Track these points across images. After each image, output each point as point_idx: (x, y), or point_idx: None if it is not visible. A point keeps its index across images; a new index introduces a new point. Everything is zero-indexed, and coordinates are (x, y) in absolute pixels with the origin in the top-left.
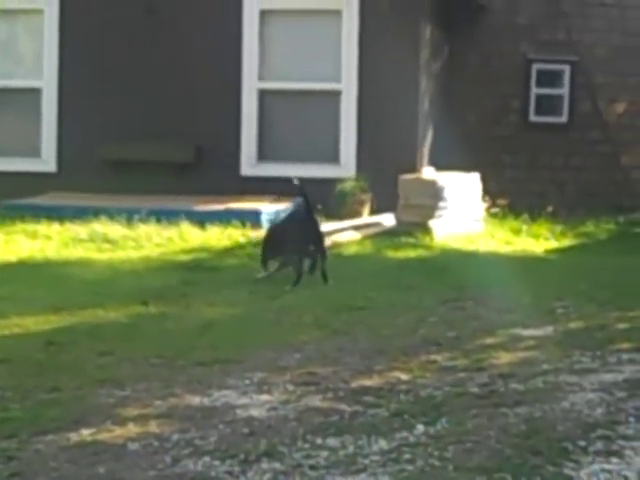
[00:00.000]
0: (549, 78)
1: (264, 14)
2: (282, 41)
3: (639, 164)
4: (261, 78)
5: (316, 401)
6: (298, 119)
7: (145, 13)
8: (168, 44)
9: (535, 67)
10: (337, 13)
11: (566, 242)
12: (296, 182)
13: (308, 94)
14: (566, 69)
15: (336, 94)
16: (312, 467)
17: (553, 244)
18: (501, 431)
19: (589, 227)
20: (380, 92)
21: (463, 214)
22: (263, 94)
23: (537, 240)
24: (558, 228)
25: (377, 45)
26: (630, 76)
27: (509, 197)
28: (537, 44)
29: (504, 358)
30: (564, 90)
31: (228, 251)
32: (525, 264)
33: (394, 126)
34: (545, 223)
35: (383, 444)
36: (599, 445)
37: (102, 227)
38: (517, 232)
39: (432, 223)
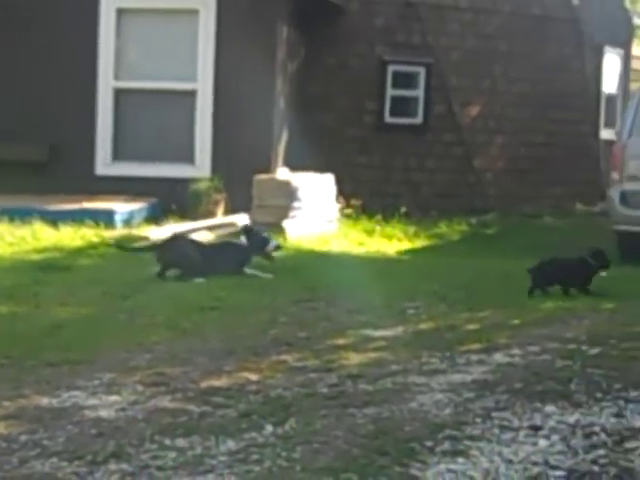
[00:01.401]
0: (404, 80)
1: (121, 12)
2: (138, 40)
3: (492, 166)
4: (117, 77)
5: (165, 402)
6: (153, 119)
7: None
8: (23, 42)
9: (391, 69)
10: (194, 12)
11: (419, 243)
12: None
13: (164, 93)
14: (421, 71)
15: (192, 94)
16: (160, 468)
17: (406, 245)
18: (349, 432)
19: (442, 228)
20: (236, 92)
21: (317, 215)
22: (119, 93)
23: (390, 241)
24: (411, 229)
25: (234, 45)
26: (484, 79)
27: (363, 198)
28: (393, 46)
29: (354, 359)
30: (419, 92)
31: (81, 251)
32: (377, 265)
33: (249, 126)
34: (398, 224)
35: (231, 445)
36: (446, 445)
37: None
38: (370, 233)
39: (285, 223)
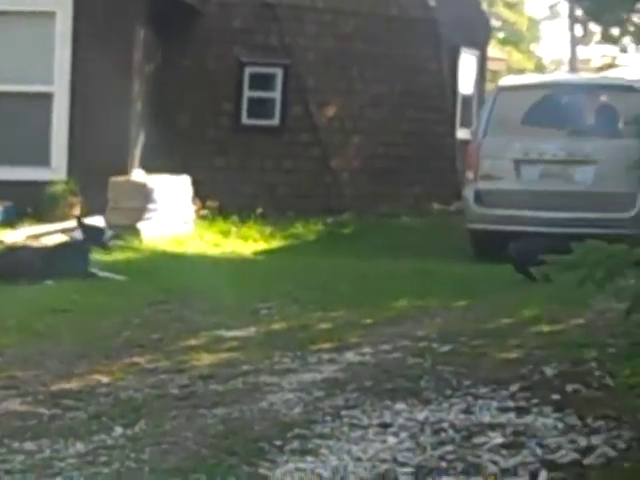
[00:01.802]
0: (262, 81)
1: None
2: None
3: (348, 166)
4: None
5: (15, 405)
6: (9, 121)
7: None
8: None
9: (248, 70)
10: (51, 15)
11: (275, 243)
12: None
13: (20, 96)
14: (279, 72)
15: (48, 96)
16: (7, 472)
17: (262, 246)
18: (199, 432)
19: (298, 228)
20: (93, 95)
21: (173, 216)
22: None
23: (246, 242)
24: (267, 230)
25: (90, 48)
26: (341, 80)
27: (220, 199)
28: (250, 48)
29: (206, 360)
30: (276, 93)
31: None
32: (232, 266)
33: (106, 129)
34: (255, 225)
35: (80, 447)
36: (295, 444)
37: None
38: (226, 234)
39: (141, 225)
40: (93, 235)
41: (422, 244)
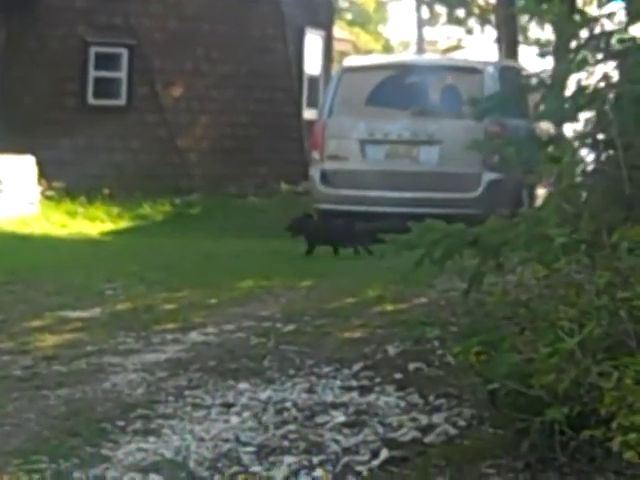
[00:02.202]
0: (107, 61)
1: None
2: None
3: (195, 147)
4: None
5: None
6: None
7: None
8: None
9: (93, 50)
10: None
11: (122, 224)
12: None
13: None
14: (124, 52)
15: None
16: None
17: (109, 226)
18: (41, 414)
19: (146, 209)
20: None
21: (18, 197)
22: None
23: (93, 223)
24: (115, 210)
25: None
26: (186, 61)
27: (66, 180)
28: (95, 27)
29: (49, 340)
30: (122, 74)
31: None
32: (79, 247)
33: None
34: (102, 206)
35: None
36: (138, 425)
37: None
38: (73, 215)
39: None
40: None
41: (269, 224)
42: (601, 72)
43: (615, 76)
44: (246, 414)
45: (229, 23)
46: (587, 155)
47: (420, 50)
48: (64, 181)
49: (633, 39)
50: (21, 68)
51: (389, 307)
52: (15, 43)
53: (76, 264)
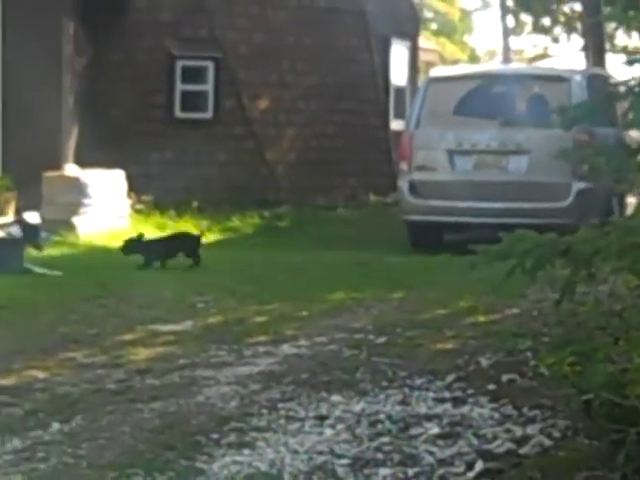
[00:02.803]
0: (194, 74)
1: None
2: None
3: (283, 159)
4: None
5: None
6: None
7: None
8: None
9: (179, 63)
10: None
11: (212, 237)
12: None
13: None
14: (210, 66)
15: None
16: None
17: None
18: (135, 427)
19: (235, 222)
20: (24, 89)
21: (108, 211)
22: None
23: None
24: (204, 223)
25: (20, 43)
26: (272, 73)
27: (155, 193)
28: (181, 41)
29: (142, 354)
30: (208, 86)
31: None
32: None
33: (38, 124)
34: (191, 219)
35: (17, 443)
36: (232, 437)
37: None
38: (163, 228)
39: (76, 220)
40: (30, 233)
41: (359, 236)
42: None
43: None
44: (340, 426)
45: (314, 35)
46: None
47: (506, 59)
48: (153, 194)
49: None
50: (108, 82)
51: (481, 318)
52: (102, 57)
53: (166, 277)
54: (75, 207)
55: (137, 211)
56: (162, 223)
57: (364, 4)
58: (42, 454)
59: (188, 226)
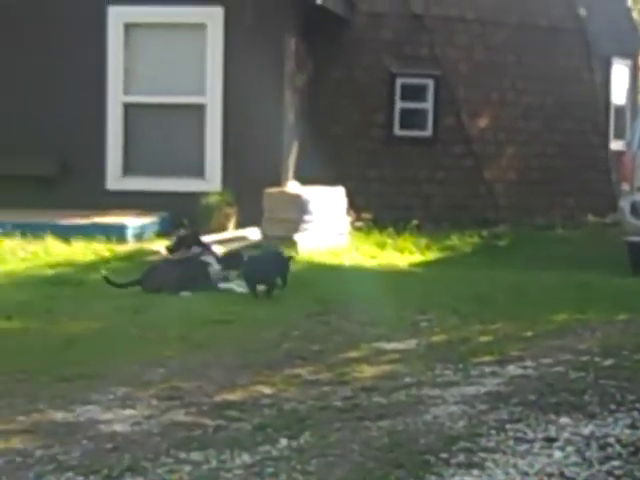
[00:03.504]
0: (413, 92)
1: (129, 28)
2: (147, 54)
3: (502, 178)
4: (126, 92)
5: (180, 416)
6: (163, 133)
7: (5, 26)
8: (32, 57)
9: (399, 81)
10: (202, 26)
11: (431, 255)
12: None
13: (173, 108)
14: (430, 83)
15: (201, 108)
16: None
17: (418, 257)
18: (364, 444)
19: (454, 240)
20: (245, 106)
21: (328, 228)
22: (128, 108)
23: (402, 253)
24: (423, 241)
25: (242, 58)
26: (492, 91)
27: (374, 211)
28: (401, 59)
29: (367, 372)
30: (428, 104)
31: (93, 265)
32: (390, 278)
33: (259, 140)
34: (410, 237)
35: (246, 458)
36: (461, 457)
37: None
38: (382, 246)
39: (297, 237)
40: (232, 262)
41: (578, 256)
42: None
43: None
44: (569, 449)
45: (535, 53)
46: None
47: None
48: (372, 212)
49: None
50: (328, 98)
51: None
52: (322, 73)
53: (387, 295)
54: (296, 223)
55: (357, 229)
56: (381, 241)
57: (586, 23)
58: (271, 469)
59: (407, 244)
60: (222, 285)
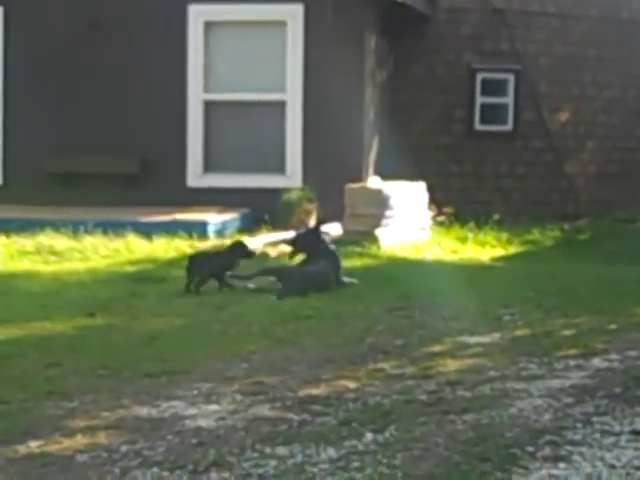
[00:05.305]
0: (493, 87)
1: (209, 26)
2: (227, 52)
3: (583, 172)
4: (206, 89)
5: (264, 410)
6: (244, 130)
7: (88, 27)
8: (113, 57)
9: (480, 76)
10: (282, 24)
11: (512, 250)
12: None
13: (253, 105)
14: (510, 78)
15: (281, 104)
16: (261, 476)
17: (499, 252)
18: (449, 438)
19: (535, 235)
20: (325, 102)
21: (409, 223)
22: (208, 105)
23: (483, 248)
24: (504, 236)
25: (322, 56)
26: (573, 85)
27: (455, 205)
28: (481, 54)
29: (451, 365)
30: (509, 99)
31: (175, 262)
32: (471, 272)
33: (340, 136)
34: (491, 231)
35: (332, 452)
36: (547, 451)
37: (48, 239)
38: (463, 240)
39: (378, 232)
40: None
41: None
42: None
43: None
44: None
45: (615, 47)
46: None
47: None
48: (453, 206)
49: None
50: (409, 93)
51: None
52: (402, 68)
53: (470, 289)
54: (377, 219)
55: (438, 223)
56: (462, 235)
57: None
58: (357, 463)
59: (488, 239)
60: (346, 279)
